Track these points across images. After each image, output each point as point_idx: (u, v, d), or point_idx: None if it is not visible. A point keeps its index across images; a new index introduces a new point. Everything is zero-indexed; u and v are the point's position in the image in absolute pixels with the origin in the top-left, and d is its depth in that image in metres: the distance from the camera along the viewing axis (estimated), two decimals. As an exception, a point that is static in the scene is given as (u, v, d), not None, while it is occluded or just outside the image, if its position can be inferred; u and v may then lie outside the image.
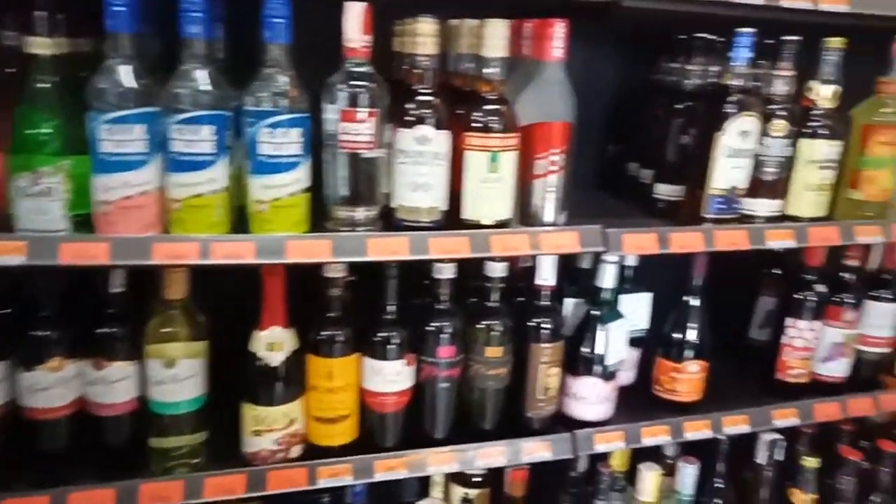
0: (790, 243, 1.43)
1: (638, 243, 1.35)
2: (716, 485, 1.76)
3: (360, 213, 1.23)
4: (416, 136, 1.20)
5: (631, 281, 1.62)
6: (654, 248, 1.36)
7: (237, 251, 1.14)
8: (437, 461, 1.39)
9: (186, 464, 1.28)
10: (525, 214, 1.35)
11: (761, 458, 1.61)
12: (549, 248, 1.29)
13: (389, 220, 1.27)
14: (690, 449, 1.69)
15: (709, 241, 1.39)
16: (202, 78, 1.10)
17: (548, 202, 1.33)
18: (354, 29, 1.13)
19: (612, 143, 1.85)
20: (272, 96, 1.12)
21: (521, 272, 1.51)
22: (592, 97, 1.81)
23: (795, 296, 1.62)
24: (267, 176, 1.15)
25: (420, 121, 1.21)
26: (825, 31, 1.43)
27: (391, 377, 1.35)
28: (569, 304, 1.58)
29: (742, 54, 1.34)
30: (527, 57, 1.31)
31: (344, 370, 1.33)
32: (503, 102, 1.26)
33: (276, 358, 1.28)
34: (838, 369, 1.68)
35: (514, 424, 1.48)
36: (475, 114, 1.24)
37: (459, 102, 1.27)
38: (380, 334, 1.34)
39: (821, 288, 1.61)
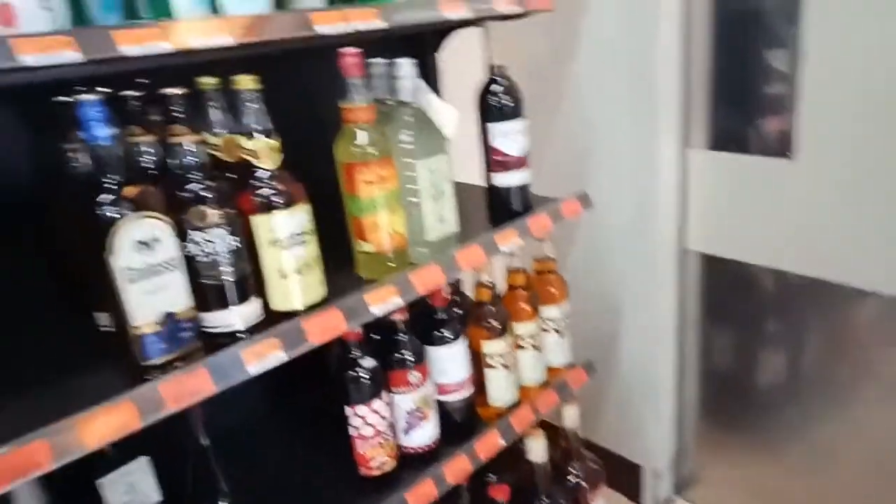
0: (281, 355, 1.05)
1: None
2: None
3: None
4: None
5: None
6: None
7: None
8: None
9: None
10: None
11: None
12: None
13: None
14: None
15: (155, 406, 0.93)
16: None
17: None
18: None
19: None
20: None
21: None
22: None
23: (346, 379, 1.28)
24: None
25: None
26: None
27: None
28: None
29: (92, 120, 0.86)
30: None
31: None
32: None
33: None
34: (425, 435, 1.40)
35: None
36: None
37: None
38: None
39: (368, 361, 1.29)
